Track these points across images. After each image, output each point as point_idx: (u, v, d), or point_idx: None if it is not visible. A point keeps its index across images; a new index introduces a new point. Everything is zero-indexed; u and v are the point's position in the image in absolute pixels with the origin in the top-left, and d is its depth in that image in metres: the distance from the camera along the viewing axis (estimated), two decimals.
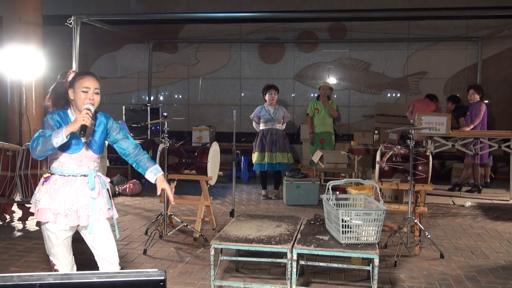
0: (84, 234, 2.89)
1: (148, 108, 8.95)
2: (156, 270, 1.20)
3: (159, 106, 9.67)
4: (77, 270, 2.97)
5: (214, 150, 5.42)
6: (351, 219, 3.29)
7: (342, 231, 3.29)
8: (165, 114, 9.50)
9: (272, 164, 7.03)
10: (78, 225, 2.83)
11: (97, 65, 10.70)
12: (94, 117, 2.77)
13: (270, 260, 3.67)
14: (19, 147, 5.73)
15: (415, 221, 4.54)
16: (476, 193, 7.51)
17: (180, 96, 10.62)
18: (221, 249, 3.73)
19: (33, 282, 1.13)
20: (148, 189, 7.63)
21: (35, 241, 4.97)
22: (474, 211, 6.44)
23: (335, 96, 9.84)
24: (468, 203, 6.73)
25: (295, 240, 3.44)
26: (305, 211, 6.30)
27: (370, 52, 9.79)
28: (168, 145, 4.83)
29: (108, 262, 2.87)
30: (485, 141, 7.09)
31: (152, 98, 10.39)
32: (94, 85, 2.76)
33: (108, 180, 3.01)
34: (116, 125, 2.97)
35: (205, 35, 10.19)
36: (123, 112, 8.89)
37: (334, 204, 3.65)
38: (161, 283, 1.17)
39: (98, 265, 2.90)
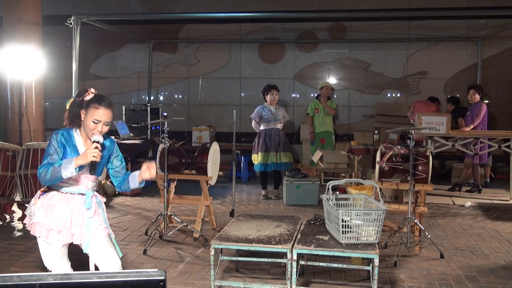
0: (85, 251, 2.87)
1: (148, 108, 8.95)
2: (156, 270, 1.20)
3: (159, 106, 9.67)
4: (77, 270, 2.96)
5: (214, 150, 5.42)
6: (351, 219, 3.29)
7: (342, 231, 3.29)
8: (165, 114, 9.50)
9: (277, 164, 7.03)
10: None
11: (97, 65, 10.71)
12: (102, 147, 2.72)
13: (270, 260, 3.67)
14: (19, 147, 5.73)
15: (415, 221, 4.54)
16: (476, 193, 7.51)
17: (180, 96, 10.62)
18: (221, 249, 3.73)
19: (33, 282, 1.13)
20: (148, 189, 7.63)
21: (35, 241, 4.91)
22: (474, 211, 6.44)
23: (335, 96, 9.84)
24: (468, 203, 6.73)
25: (295, 240, 3.44)
26: (305, 211, 6.30)
27: (370, 52, 9.79)
28: (168, 145, 4.83)
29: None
30: (485, 141, 7.10)
31: (152, 98, 10.39)
32: (106, 118, 2.75)
33: (104, 200, 3.01)
34: (117, 150, 2.98)
35: (205, 35, 10.19)
36: (123, 112, 8.89)
37: (334, 204, 3.65)
38: (161, 283, 1.17)
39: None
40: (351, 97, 9.96)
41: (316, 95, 8.87)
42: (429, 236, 4.61)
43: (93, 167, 2.68)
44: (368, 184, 5.43)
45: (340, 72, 9.99)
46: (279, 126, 7.11)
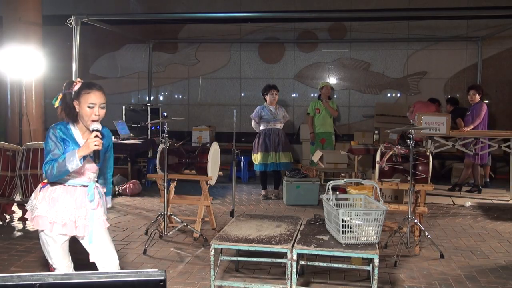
0: (85, 245, 2.87)
1: (148, 108, 8.95)
2: (156, 270, 1.20)
3: (159, 106, 9.67)
4: (77, 270, 2.96)
5: (214, 150, 5.42)
6: (351, 219, 3.29)
7: (342, 231, 3.29)
8: (165, 114, 9.50)
9: (276, 164, 7.04)
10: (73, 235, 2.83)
11: (97, 65, 10.71)
12: (102, 136, 2.73)
13: (270, 260, 3.67)
14: (19, 147, 5.73)
15: (415, 221, 4.54)
16: (476, 193, 7.50)
17: (180, 96, 10.62)
18: (221, 249, 3.73)
19: (33, 282, 1.13)
20: (148, 189, 7.63)
21: (35, 241, 4.97)
22: (474, 211, 6.44)
23: (335, 96, 9.84)
24: (468, 203, 6.73)
25: (295, 240, 3.44)
26: (305, 211, 6.30)
27: (370, 52, 9.80)
28: (168, 145, 4.83)
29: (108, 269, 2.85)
30: (485, 141, 7.10)
31: (152, 98, 10.39)
32: (100, 100, 2.75)
33: (105, 190, 3.02)
34: (111, 142, 3.02)
35: (205, 35, 10.20)
36: (123, 112, 8.89)
37: (334, 204, 3.65)
38: (161, 283, 1.17)
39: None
40: (351, 97, 9.96)
41: (317, 95, 8.86)
42: (429, 236, 4.61)
43: (97, 156, 2.67)
44: (368, 184, 5.43)
45: (340, 72, 9.99)
46: (279, 126, 7.11)
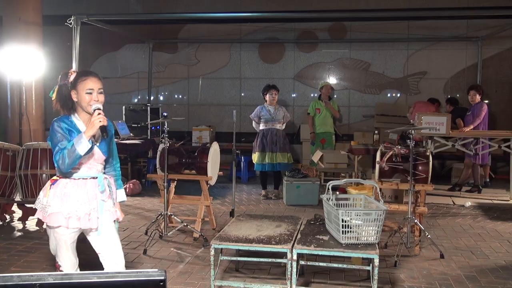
0: (91, 237, 2.86)
1: (148, 108, 8.95)
2: (156, 270, 1.20)
3: (159, 106, 9.66)
4: (81, 270, 2.96)
5: (214, 150, 5.42)
6: (351, 219, 3.29)
7: (342, 231, 3.29)
8: (165, 114, 9.50)
9: (273, 164, 7.04)
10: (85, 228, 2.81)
11: (97, 65, 10.70)
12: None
13: (270, 260, 3.67)
14: (19, 147, 5.73)
15: (415, 221, 4.54)
16: (476, 193, 7.50)
17: (180, 96, 10.62)
18: (221, 249, 3.73)
19: (33, 282, 1.13)
20: (148, 189, 7.63)
21: (35, 241, 4.97)
22: (474, 211, 6.44)
23: (335, 96, 9.84)
24: (468, 203, 6.73)
25: (295, 240, 3.44)
26: (305, 211, 6.30)
27: (370, 52, 9.79)
28: (168, 145, 4.83)
29: (114, 263, 2.84)
30: (486, 141, 7.09)
31: (152, 98, 10.39)
32: (98, 85, 2.74)
33: (112, 181, 2.98)
34: (113, 131, 3.04)
35: (205, 35, 10.19)
36: (123, 112, 8.88)
37: (334, 204, 3.64)
38: (161, 283, 1.17)
39: (104, 267, 2.87)
40: (351, 97, 9.96)
41: (317, 95, 8.85)
42: (429, 236, 4.61)
43: (104, 131, 2.66)
44: (368, 184, 5.43)
45: (340, 72, 9.99)
46: (278, 126, 7.11)
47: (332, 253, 3.33)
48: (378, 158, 4.93)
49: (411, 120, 6.25)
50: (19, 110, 7.25)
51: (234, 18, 9.58)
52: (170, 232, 4.97)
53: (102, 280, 1.16)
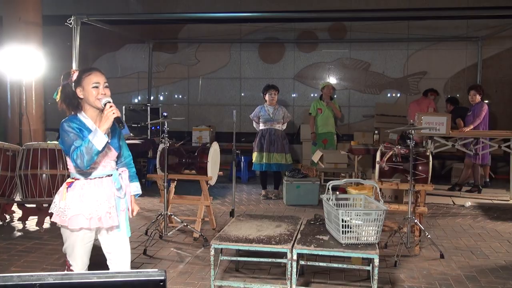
0: (102, 237, 2.84)
1: (148, 108, 8.95)
2: (156, 270, 1.20)
3: (159, 106, 9.67)
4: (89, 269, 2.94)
5: (214, 150, 5.42)
6: (351, 219, 3.29)
7: (342, 231, 3.29)
8: (165, 114, 9.50)
9: (270, 165, 7.04)
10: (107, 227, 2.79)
11: (97, 65, 10.68)
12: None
13: (270, 260, 3.67)
14: (19, 147, 5.73)
15: (415, 221, 4.54)
16: (476, 193, 7.50)
17: (180, 96, 10.62)
18: (221, 249, 3.73)
19: (33, 282, 1.13)
20: (148, 189, 7.63)
21: (35, 241, 4.97)
22: (474, 211, 6.44)
23: (335, 96, 9.83)
24: (468, 203, 6.73)
25: (295, 240, 3.44)
26: (305, 211, 6.30)
27: (370, 52, 9.79)
28: (168, 145, 4.83)
29: (120, 266, 2.82)
30: (486, 141, 7.09)
31: (152, 98, 10.39)
32: (103, 79, 2.72)
33: (127, 174, 2.93)
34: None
35: (205, 35, 10.19)
36: (123, 112, 8.88)
37: (334, 204, 3.64)
38: (161, 283, 1.17)
39: (110, 269, 2.85)
40: (351, 97, 9.96)
41: (318, 95, 8.84)
42: (429, 236, 4.61)
43: (119, 121, 2.63)
44: (368, 184, 5.43)
45: (340, 72, 9.99)
46: (278, 126, 7.10)
47: (332, 253, 3.33)
48: (378, 158, 4.93)
49: (411, 120, 6.25)
50: (19, 110, 7.25)
51: (234, 18, 9.58)
52: (170, 232, 4.97)
53: (102, 280, 1.16)
